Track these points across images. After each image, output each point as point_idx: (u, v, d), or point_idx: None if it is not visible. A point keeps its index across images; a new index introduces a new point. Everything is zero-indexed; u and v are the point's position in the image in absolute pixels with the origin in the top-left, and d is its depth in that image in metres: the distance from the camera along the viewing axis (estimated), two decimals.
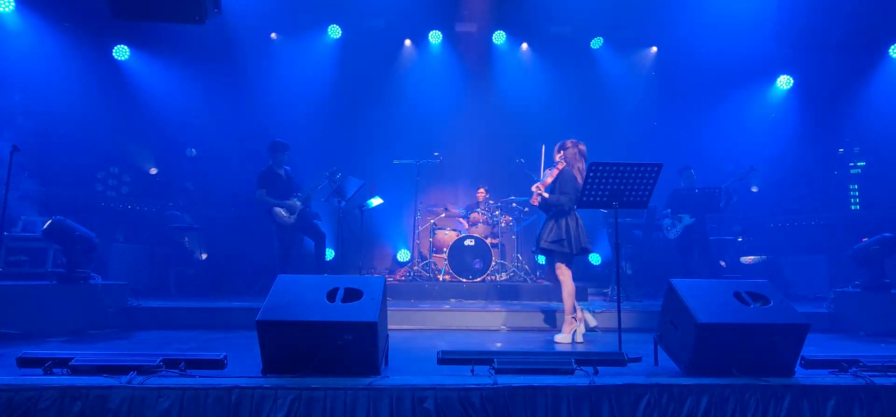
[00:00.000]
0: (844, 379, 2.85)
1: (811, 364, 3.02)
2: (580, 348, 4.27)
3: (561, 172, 4.50)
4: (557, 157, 4.61)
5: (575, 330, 4.46)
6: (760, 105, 9.23)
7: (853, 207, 8.51)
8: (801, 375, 2.94)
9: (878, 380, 2.82)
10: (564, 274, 4.48)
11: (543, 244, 4.49)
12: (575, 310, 4.52)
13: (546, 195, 4.48)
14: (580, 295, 6.56)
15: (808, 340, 2.95)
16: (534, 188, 4.52)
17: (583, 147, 4.64)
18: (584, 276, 9.46)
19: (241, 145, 9.12)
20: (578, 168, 4.54)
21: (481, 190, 8.08)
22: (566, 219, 4.47)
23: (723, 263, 7.51)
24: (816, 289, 7.17)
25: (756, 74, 9.06)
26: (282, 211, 6.23)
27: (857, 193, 8.55)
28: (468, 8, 8.64)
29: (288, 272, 6.20)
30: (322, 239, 6.49)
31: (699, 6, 7.92)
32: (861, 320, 5.09)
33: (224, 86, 9.04)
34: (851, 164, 8.64)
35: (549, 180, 4.50)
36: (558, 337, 4.48)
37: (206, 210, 8.88)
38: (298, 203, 6.33)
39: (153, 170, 8.79)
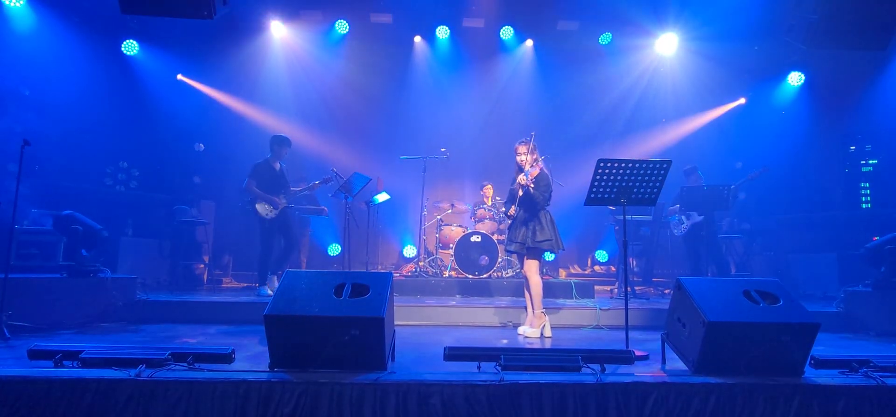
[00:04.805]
0: (855, 380, 2.82)
1: (821, 364, 2.99)
2: (548, 343, 4.36)
3: (540, 172, 4.62)
4: (533, 157, 4.67)
5: (544, 325, 4.58)
6: (771, 102, 9.14)
7: (864, 205, 8.41)
8: (811, 375, 2.91)
9: (890, 381, 2.79)
10: (535, 271, 4.62)
11: (532, 243, 4.54)
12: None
13: (532, 187, 4.54)
14: (586, 292, 6.57)
15: (817, 339, 2.92)
16: (524, 180, 4.59)
17: None
18: (590, 273, 9.50)
19: (249, 140, 9.16)
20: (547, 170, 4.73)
21: (488, 186, 8.07)
22: (547, 216, 4.61)
23: (733, 268, 7.44)
24: (826, 288, 7.10)
25: (767, 71, 8.97)
26: (264, 205, 6.26)
27: (868, 191, 8.45)
28: (476, 3, 8.59)
29: (269, 266, 6.30)
30: (293, 244, 6.52)
31: (709, 1, 7.84)
32: (872, 319, 5.04)
33: (232, 82, 9.08)
34: (863, 162, 8.53)
35: (535, 173, 4.59)
36: (528, 332, 4.58)
37: (214, 203, 8.94)
38: (284, 200, 6.36)
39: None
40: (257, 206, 6.26)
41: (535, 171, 4.60)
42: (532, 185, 4.53)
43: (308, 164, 9.01)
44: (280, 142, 6.48)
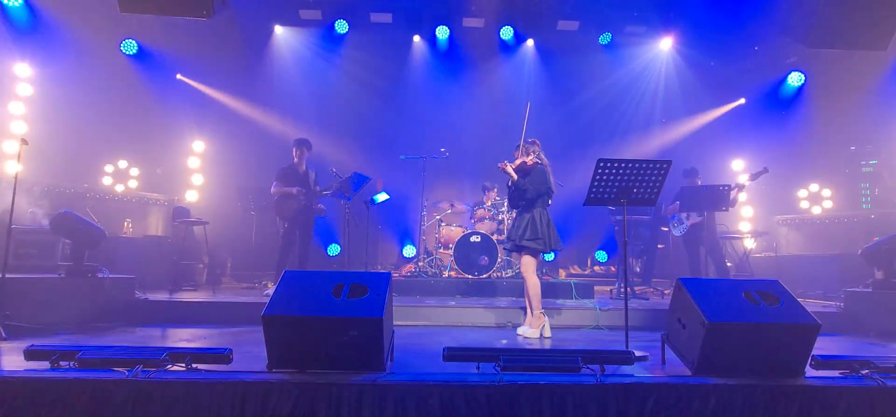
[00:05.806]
0: (856, 381, 2.81)
1: (822, 364, 2.97)
2: (548, 344, 4.35)
3: (534, 166, 4.60)
4: (529, 156, 4.66)
5: (543, 325, 4.56)
6: (771, 102, 9.13)
7: (865, 206, 8.40)
8: (812, 376, 2.90)
9: (890, 382, 2.78)
10: (532, 271, 4.58)
11: (520, 241, 4.53)
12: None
13: (514, 175, 4.53)
14: (586, 292, 6.55)
15: (818, 340, 2.90)
16: (500, 165, 4.60)
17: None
18: (590, 273, 9.49)
19: (248, 140, 9.16)
20: (548, 168, 4.68)
21: (495, 189, 8.04)
22: (542, 216, 4.56)
23: (729, 263, 7.42)
24: (827, 289, 7.09)
25: (767, 71, 8.96)
26: (283, 202, 6.35)
27: (868, 191, 8.44)
28: (476, 3, 8.58)
29: (287, 264, 6.30)
30: (308, 239, 6.61)
31: (710, 2, 7.83)
32: (872, 320, 5.03)
33: (231, 82, 9.07)
34: (863, 163, 8.52)
35: (518, 162, 4.59)
36: (527, 332, 4.57)
37: (213, 204, 8.92)
38: (300, 193, 6.41)
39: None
40: (277, 205, 6.37)
41: (518, 161, 4.60)
42: (512, 173, 4.53)
43: (308, 164, 8.98)
44: (301, 143, 6.63)
